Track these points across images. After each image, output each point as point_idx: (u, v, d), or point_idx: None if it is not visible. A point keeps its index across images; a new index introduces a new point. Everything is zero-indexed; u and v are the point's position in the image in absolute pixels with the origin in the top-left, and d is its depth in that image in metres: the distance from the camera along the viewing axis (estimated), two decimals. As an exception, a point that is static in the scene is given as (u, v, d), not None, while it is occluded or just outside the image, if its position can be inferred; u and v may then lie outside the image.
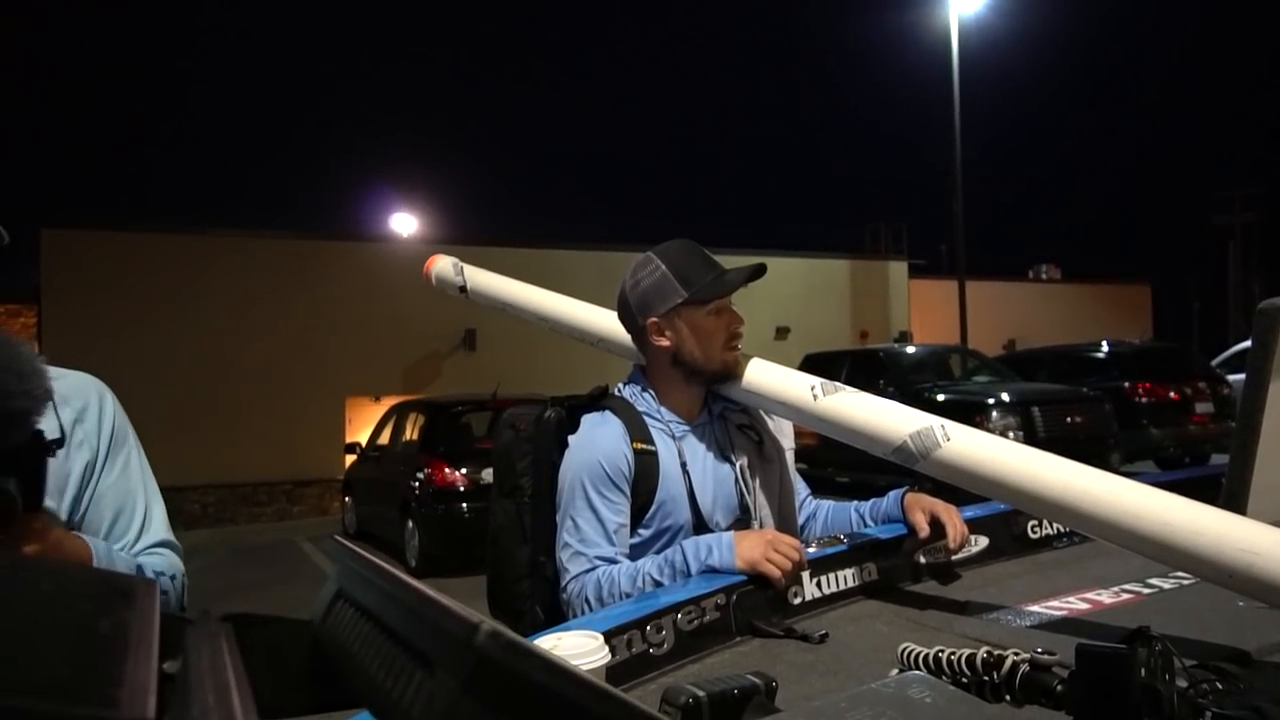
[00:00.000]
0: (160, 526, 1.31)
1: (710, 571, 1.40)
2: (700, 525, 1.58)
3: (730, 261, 1.69)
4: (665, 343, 1.63)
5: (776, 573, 1.36)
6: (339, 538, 0.66)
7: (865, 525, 1.73)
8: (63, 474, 1.20)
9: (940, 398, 9.02)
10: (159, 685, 0.38)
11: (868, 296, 18.81)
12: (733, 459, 1.66)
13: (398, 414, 9.67)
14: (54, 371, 1.24)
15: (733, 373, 1.64)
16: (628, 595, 1.43)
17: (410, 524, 8.14)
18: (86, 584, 0.50)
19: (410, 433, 9.05)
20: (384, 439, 9.73)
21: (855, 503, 1.80)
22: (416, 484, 8.02)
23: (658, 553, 1.55)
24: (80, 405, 1.26)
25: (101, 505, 1.25)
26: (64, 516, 1.20)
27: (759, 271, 1.62)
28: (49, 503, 1.16)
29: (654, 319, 1.63)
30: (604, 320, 1.97)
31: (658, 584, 1.43)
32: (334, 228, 24.39)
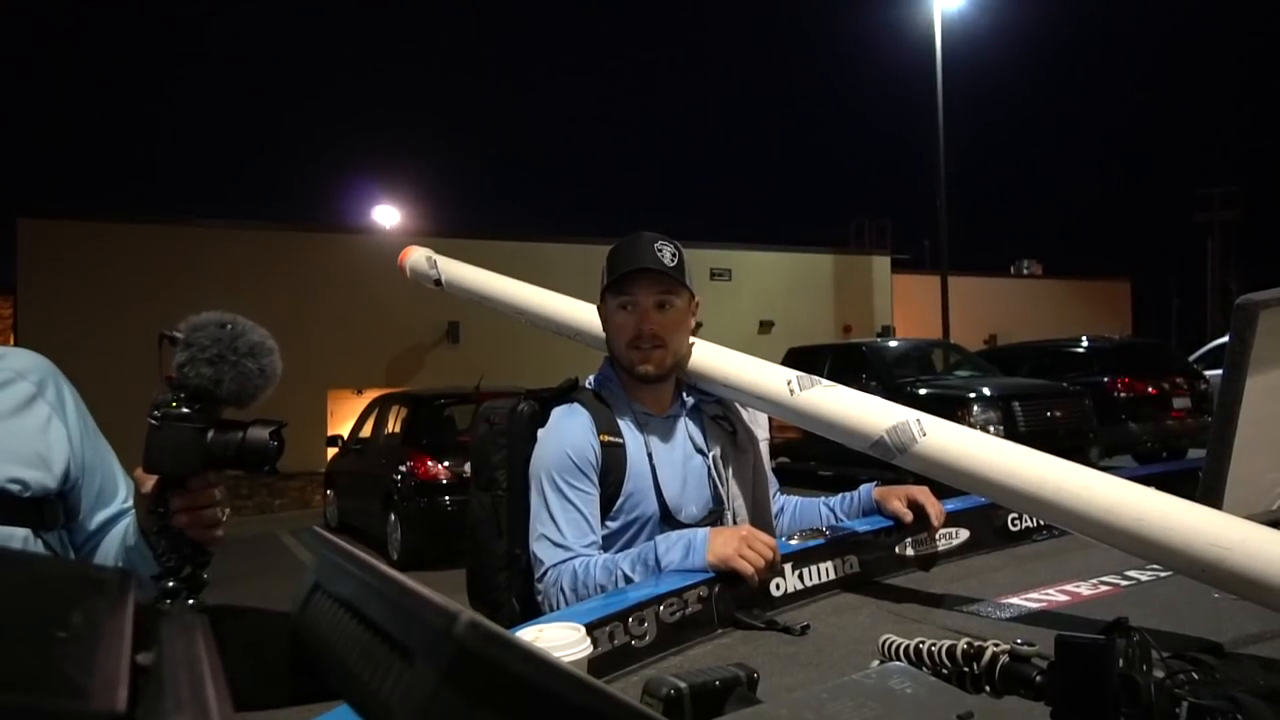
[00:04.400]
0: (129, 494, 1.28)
1: (683, 570, 1.35)
2: (667, 516, 1.57)
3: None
4: (605, 329, 1.68)
5: (749, 569, 1.31)
6: (317, 528, 0.65)
7: (835, 521, 1.72)
8: (41, 447, 1.17)
9: (922, 392, 9.07)
10: (131, 677, 0.37)
11: (851, 291, 18.88)
12: (705, 450, 1.66)
13: (380, 407, 9.62)
14: None
15: (636, 374, 1.62)
16: (602, 588, 1.42)
17: (393, 517, 8.10)
18: (57, 574, 0.49)
19: (393, 426, 9.00)
20: (366, 432, 9.68)
21: (824, 498, 1.80)
22: (399, 477, 7.99)
23: (627, 543, 1.55)
24: (38, 379, 1.22)
25: (89, 476, 1.23)
26: (54, 485, 1.16)
27: (645, 270, 1.56)
28: (37, 475, 1.14)
29: (599, 303, 1.67)
30: (579, 313, 1.95)
31: (629, 580, 1.41)
32: (316, 219, 24.21)
